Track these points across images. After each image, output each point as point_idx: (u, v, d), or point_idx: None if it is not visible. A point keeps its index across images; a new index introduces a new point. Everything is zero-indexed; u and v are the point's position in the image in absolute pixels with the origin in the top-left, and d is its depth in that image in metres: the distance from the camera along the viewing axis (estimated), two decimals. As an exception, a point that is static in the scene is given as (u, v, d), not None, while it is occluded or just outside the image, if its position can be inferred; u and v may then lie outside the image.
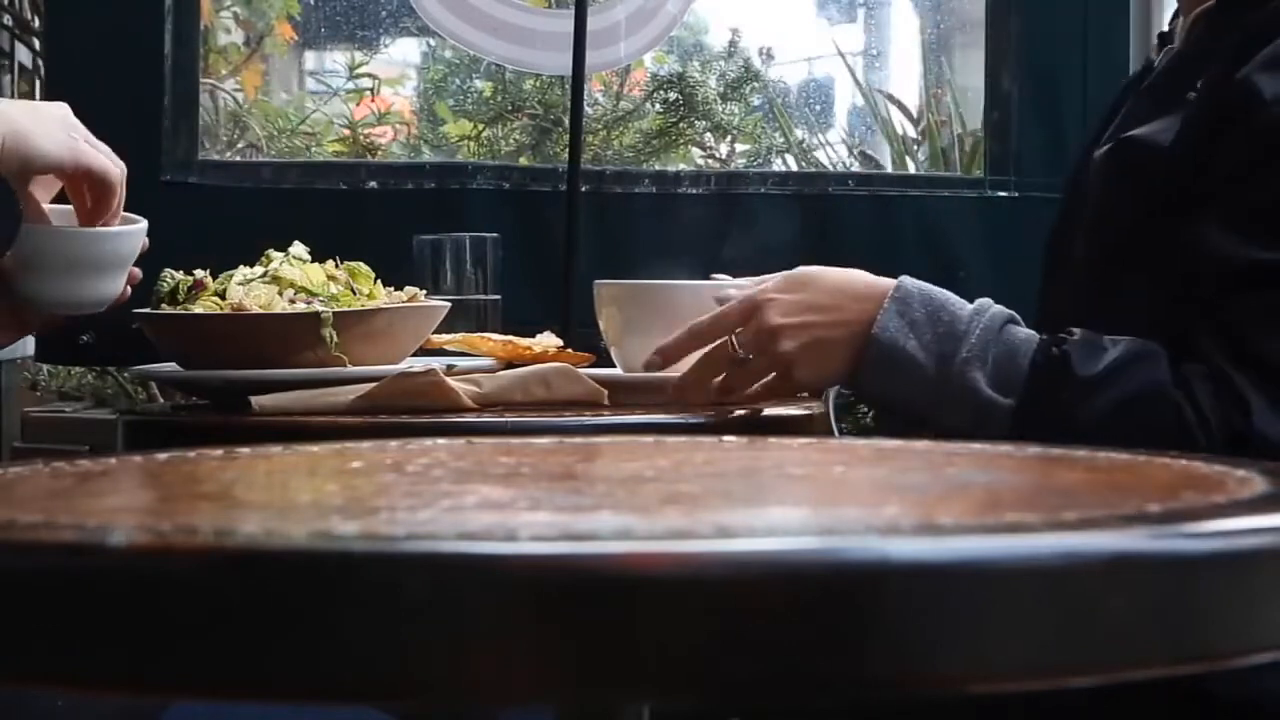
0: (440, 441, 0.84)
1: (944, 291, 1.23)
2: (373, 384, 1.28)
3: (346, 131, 3.00)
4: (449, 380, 1.28)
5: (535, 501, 0.60)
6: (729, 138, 2.97)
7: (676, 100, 2.88)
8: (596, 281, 1.49)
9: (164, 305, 1.37)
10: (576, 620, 0.43)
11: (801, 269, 1.27)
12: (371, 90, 3.12)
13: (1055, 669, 0.46)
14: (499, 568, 0.43)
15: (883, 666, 0.44)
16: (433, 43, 3.21)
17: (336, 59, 3.35)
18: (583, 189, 2.12)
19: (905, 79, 3.33)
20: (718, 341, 1.27)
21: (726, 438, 0.85)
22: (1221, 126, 1.16)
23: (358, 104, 3.11)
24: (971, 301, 1.22)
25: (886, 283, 1.23)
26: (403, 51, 3.48)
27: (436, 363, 1.36)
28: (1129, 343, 1.16)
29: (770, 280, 1.27)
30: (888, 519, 0.55)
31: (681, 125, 2.90)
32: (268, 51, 3.27)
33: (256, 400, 1.27)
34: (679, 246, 2.09)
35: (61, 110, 1.19)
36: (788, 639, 0.43)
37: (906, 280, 1.23)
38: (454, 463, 0.76)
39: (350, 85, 3.13)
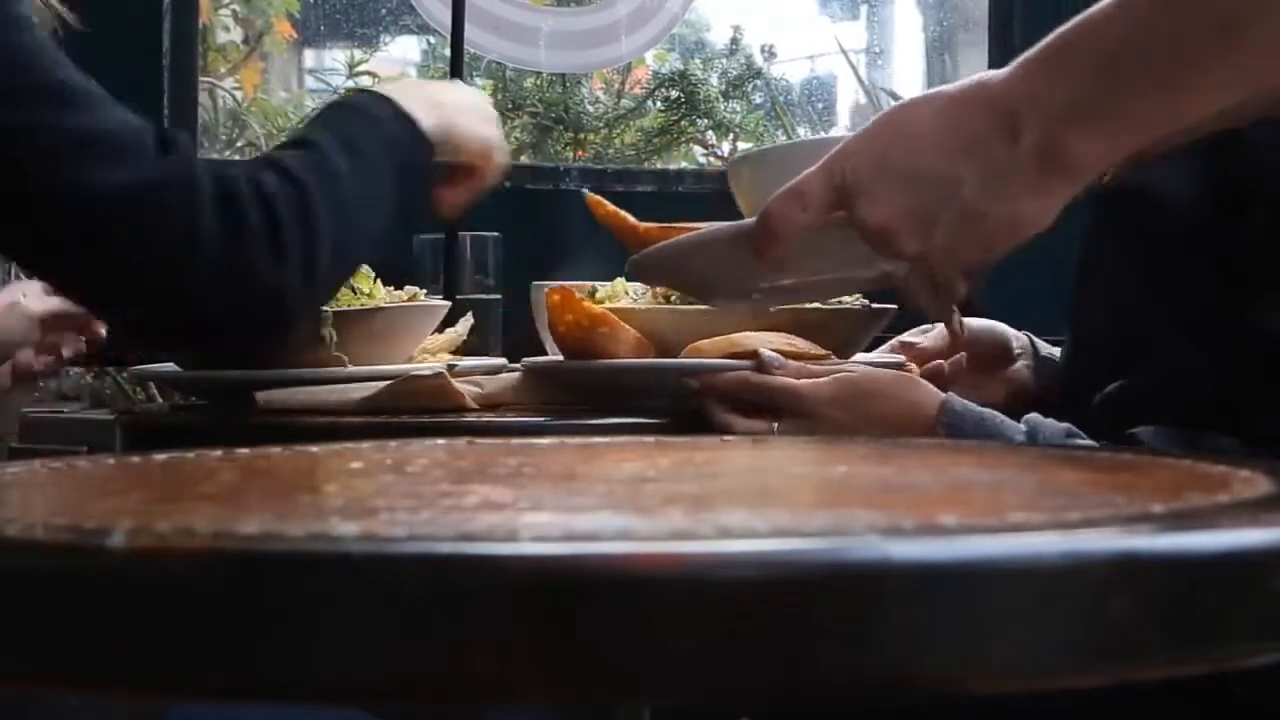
0: (440, 441, 0.84)
1: (986, 410, 1.24)
2: (376, 384, 1.28)
3: (346, 130, 3.00)
4: (453, 382, 1.28)
5: (536, 502, 0.60)
6: (731, 136, 2.97)
7: (678, 98, 2.88)
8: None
9: (163, 304, 1.37)
10: (577, 620, 0.42)
11: (850, 381, 1.25)
12: (371, 89, 3.11)
13: (1058, 669, 0.46)
14: (499, 568, 0.43)
15: (883, 666, 0.44)
16: (432, 41, 3.21)
17: (336, 57, 3.35)
18: (583, 188, 2.12)
19: (908, 76, 3.34)
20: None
21: (727, 437, 0.85)
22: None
23: (357, 102, 3.10)
24: None
25: (929, 407, 1.23)
26: (402, 49, 3.48)
27: (436, 363, 1.36)
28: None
29: (816, 383, 1.24)
30: (889, 519, 0.54)
31: (683, 123, 2.90)
32: (267, 49, 3.27)
33: (261, 395, 1.27)
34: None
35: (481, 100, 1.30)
36: (788, 639, 0.43)
37: (952, 400, 1.24)
38: (454, 463, 0.76)
39: (350, 83, 3.13)
